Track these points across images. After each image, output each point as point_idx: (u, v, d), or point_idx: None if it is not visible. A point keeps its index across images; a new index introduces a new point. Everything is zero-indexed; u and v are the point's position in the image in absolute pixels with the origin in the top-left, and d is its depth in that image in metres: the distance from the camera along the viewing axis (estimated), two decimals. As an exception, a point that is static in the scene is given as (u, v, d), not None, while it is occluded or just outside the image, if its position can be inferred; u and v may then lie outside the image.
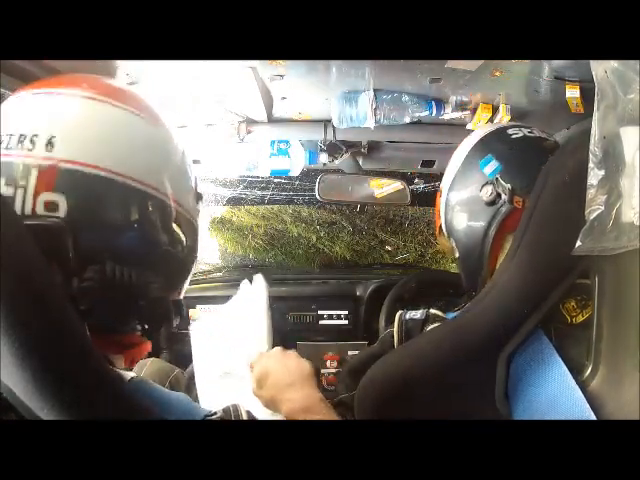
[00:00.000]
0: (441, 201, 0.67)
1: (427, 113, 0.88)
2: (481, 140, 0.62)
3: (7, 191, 0.35)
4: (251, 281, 0.87)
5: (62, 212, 0.36)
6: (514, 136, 0.60)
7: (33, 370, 0.28)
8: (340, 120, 0.90)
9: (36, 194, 0.36)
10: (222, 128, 0.98)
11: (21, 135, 0.37)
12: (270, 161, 1.06)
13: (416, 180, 1.30)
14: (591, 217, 0.36)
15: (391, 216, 2.85)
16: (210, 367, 0.84)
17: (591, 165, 0.37)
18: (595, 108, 0.37)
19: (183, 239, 0.44)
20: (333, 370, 1.25)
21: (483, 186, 0.58)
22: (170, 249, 0.42)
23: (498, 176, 0.57)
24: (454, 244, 0.65)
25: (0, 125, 0.38)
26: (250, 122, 0.98)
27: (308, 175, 1.26)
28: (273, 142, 1.04)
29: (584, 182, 0.37)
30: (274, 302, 1.30)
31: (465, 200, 0.61)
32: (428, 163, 1.10)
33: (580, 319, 0.44)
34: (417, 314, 0.60)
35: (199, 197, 0.49)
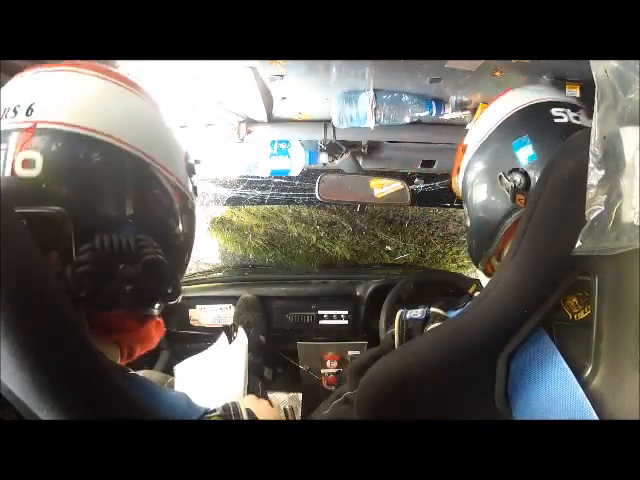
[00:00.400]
0: (464, 158, 0.61)
1: (427, 113, 0.88)
2: (521, 111, 0.56)
3: None
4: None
5: (37, 169, 0.37)
6: (557, 120, 0.53)
7: (32, 370, 0.28)
8: (340, 120, 0.90)
9: (15, 155, 0.38)
10: (222, 128, 0.98)
11: (5, 108, 0.40)
12: (270, 161, 1.06)
13: (416, 180, 1.30)
14: (591, 217, 0.36)
15: (391, 216, 2.85)
16: None
17: (591, 165, 0.37)
18: (595, 108, 0.37)
19: (173, 206, 0.46)
20: (333, 370, 1.25)
21: (511, 172, 0.53)
22: (154, 212, 0.44)
23: (502, 173, 0.53)
24: (466, 212, 0.61)
25: None
26: (250, 122, 0.98)
27: (308, 175, 1.26)
28: (273, 142, 1.04)
29: (584, 182, 0.37)
30: (274, 302, 1.31)
31: (490, 175, 0.56)
32: (428, 163, 1.10)
33: (581, 316, 0.44)
34: (417, 313, 0.60)
35: (191, 169, 0.50)
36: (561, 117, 0.53)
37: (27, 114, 0.39)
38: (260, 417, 0.62)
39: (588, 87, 0.71)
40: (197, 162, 1.10)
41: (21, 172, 0.37)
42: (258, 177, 1.42)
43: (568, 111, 0.54)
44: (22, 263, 0.30)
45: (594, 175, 0.36)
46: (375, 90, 0.85)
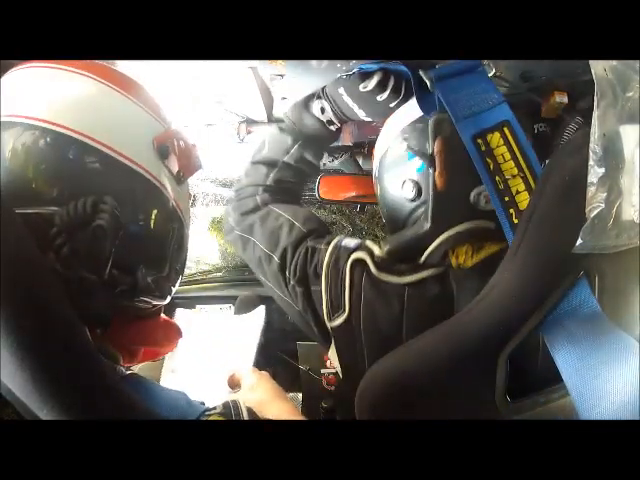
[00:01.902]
0: (373, 167, 0.72)
1: None
2: (408, 127, 0.64)
3: None
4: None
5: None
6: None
7: (32, 370, 0.28)
8: None
9: None
10: (222, 128, 0.98)
11: None
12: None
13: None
14: (591, 215, 0.36)
15: (391, 216, 2.84)
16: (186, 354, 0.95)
17: (591, 163, 0.37)
18: (595, 106, 0.37)
19: (147, 208, 0.44)
20: (333, 370, 1.24)
21: (404, 182, 0.61)
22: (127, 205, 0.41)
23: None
24: (383, 214, 0.70)
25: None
26: (250, 122, 0.98)
27: (308, 175, 1.26)
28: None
29: (584, 182, 0.37)
30: (274, 302, 1.31)
31: (392, 183, 0.65)
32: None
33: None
34: (351, 243, 0.62)
35: (179, 178, 0.48)
36: None
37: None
38: (278, 389, 0.62)
39: (587, 85, 0.71)
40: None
41: None
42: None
43: None
44: (22, 264, 0.30)
45: (594, 173, 0.36)
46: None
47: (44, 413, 0.29)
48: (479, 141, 0.50)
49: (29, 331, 0.28)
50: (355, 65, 0.68)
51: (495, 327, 0.43)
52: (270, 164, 0.77)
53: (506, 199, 0.48)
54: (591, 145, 0.37)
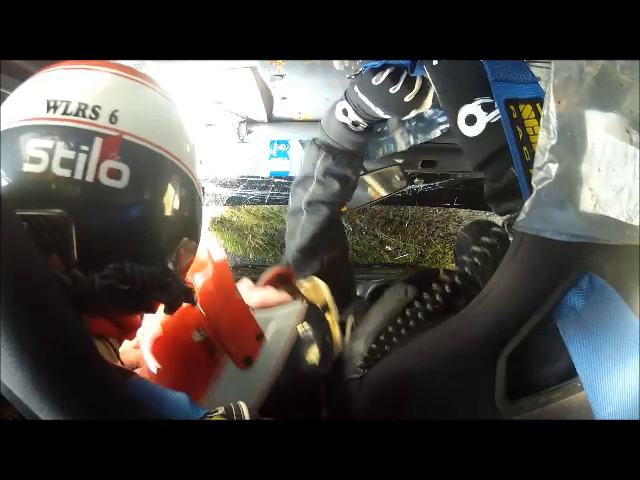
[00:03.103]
0: None
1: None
2: None
3: (67, 155, 0.36)
4: None
5: (124, 181, 0.38)
6: None
7: (33, 372, 0.28)
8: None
9: (100, 161, 0.37)
10: (222, 128, 0.98)
11: (81, 104, 0.38)
12: (270, 163, 1.06)
13: (416, 180, 1.29)
14: (539, 187, 0.33)
15: (391, 216, 2.85)
16: None
17: (542, 130, 0.34)
18: (552, 73, 0.35)
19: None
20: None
21: None
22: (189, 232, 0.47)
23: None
24: None
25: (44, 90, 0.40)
26: (250, 122, 0.98)
27: (308, 175, 1.26)
28: (272, 143, 1.04)
29: None
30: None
31: None
32: (428, 163, 1.10)
33: None
34: None
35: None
36: None
37: (111, 120, 0.38)
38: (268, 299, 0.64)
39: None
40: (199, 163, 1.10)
41: (105, 180, 0.37)
42: (258, 177, 1.42)
43: None
44: (23, 265, 0.30)
45: (544, 138, 0.34)
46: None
47: (44, 413, 0.29)
48: (511, 107, 0.48)
49: (29, 332, 0.28)
50: (360, 65, 0.68)
51: (495, 327, 0.43)
52: (303, 183, 0.82)
53: (531, 171, 0.44)
54: (544, 110, 0.35)
